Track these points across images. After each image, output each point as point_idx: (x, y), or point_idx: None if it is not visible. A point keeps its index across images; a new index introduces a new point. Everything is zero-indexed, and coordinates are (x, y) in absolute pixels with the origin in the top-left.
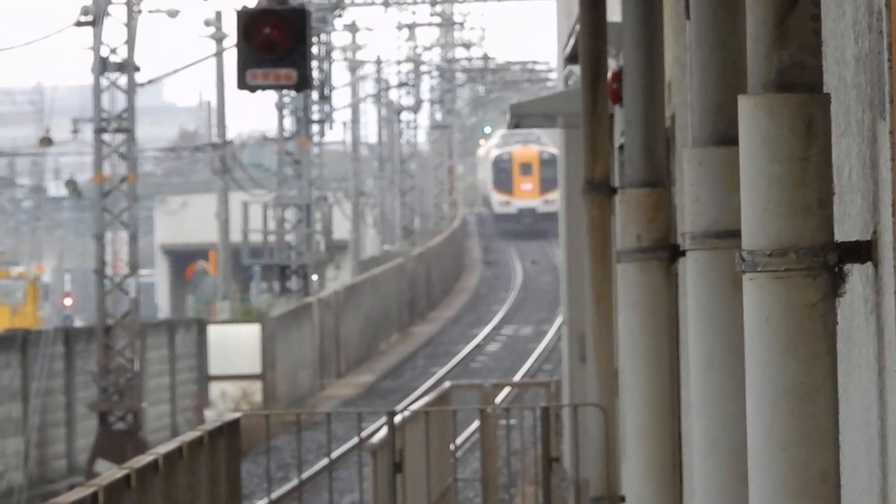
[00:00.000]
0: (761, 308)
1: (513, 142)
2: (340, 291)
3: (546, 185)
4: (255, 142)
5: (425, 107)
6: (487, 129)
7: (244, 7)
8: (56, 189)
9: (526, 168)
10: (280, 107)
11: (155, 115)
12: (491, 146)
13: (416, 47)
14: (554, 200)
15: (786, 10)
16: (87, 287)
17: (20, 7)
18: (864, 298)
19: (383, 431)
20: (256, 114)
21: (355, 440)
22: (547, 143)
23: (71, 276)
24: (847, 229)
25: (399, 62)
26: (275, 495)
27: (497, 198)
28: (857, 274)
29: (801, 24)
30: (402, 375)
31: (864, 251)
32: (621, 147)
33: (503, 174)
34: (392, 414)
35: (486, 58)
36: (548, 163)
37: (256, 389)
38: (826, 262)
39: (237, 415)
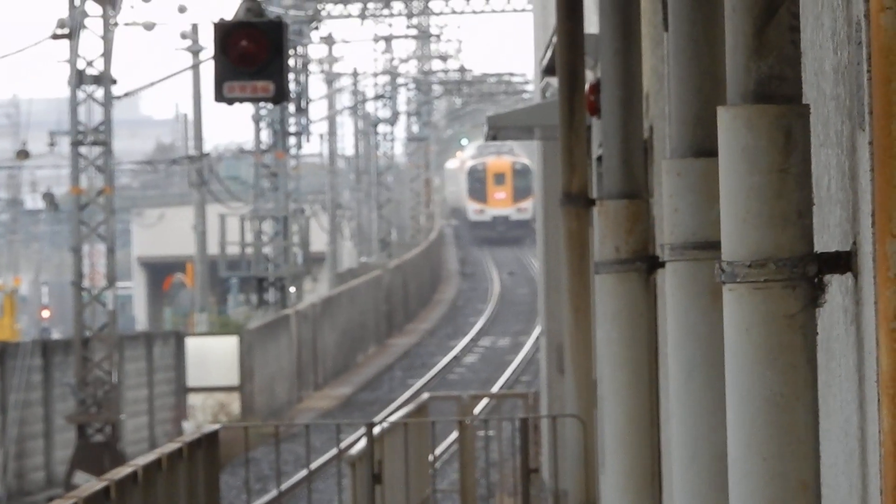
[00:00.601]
0: (741, 319)
1: (487, 153)
2: (318, 304)
3: (519, 194)
4: (232, 154)
5: (402, 119)
6: (464, 142)
7: (221, 20)
8: (33, 202)
9: (499, 178)
10: (257, 119)
11: (132, 128)
12: (465, 157)
13: (392, 59)
14: (526, 209)
15: (764, 21)
16: (64, 299)
17: None
18: (844, 309)
19: (362, 443)
20: (233, 126)
21: (334, 451)
22: (520, 153)
23: (48, 289)
24: (826, 240)
25: (376, 74)
26: None
27: (472, 206)
28: (836, 284)
29: (780, 35)
30: (379, 387)
31: (843, 262)
32: (599, 158)
33: (478, 184)
34: (371, 425)
35: (462, 70)
36: (520, 173)
37: (234, 401)
38: (805, 272)
39: (216, 426)
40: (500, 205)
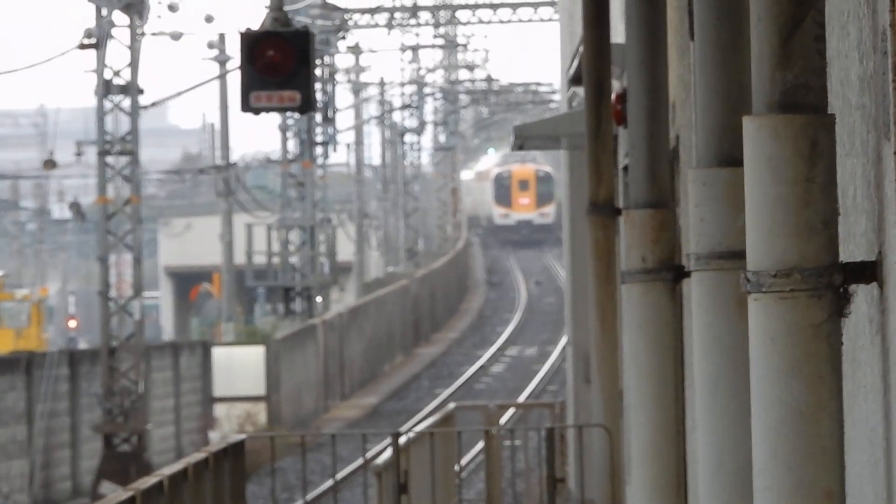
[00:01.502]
0: (766, 328)
1: (511, 161)
2: (344, 313)
3: (542, 200)
4: (259, 164)
5: (429, 128)
6: (491, 151)
7: (248, 29)
8: (60, 211)
9: (524, 184)
10: (284, 129)
11: (158, 138)
12: (491, 165)
13: (419, 69)
14: (548, 213)
15: (790, 30)
16: (91, 309)
17: (23, 30)
18: (869, 318)
19: (388, 453)
20: (260, 136)
21: (360, 461)
22: (542, 161)
23: (75, 299)
24: (852, 249)
25: (402, 84)
26: None
27: (498, 211)
28: (861, 294)
29: (806, 45)
30: (406, 397)
31: (868, 271)
32: (625, 168)
33: (503, 190)
34: (397, 435)
35: (489, 79)
36: (543, 179)
37: (260, 411)
38: (831, 282)
39: (242, 436)
40: (525, 209)
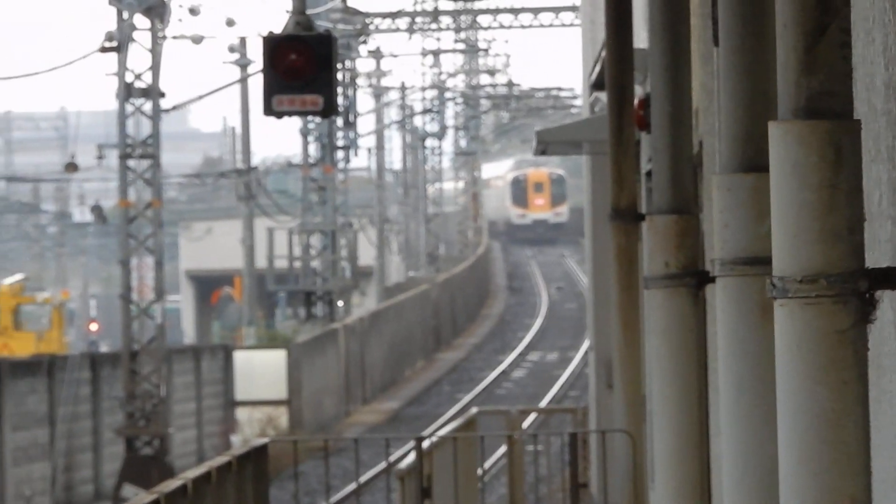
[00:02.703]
0: (792, 334)
1: (525, 165)
2: (365, 318)
3: (556, 201)
4: (280, 168)
5: (450, 133)
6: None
7: (270, 33)
8: (81, 215)
9: (538, 186)
10: (305, 133)
11: (179, 141)
12: (503, 172)
13: (440, 74)
14: (562, 213)
15: (815, 37)
16: (112, 313)
17: (45, 33)
18: (895, 324)
19: (411, 457)
20: (281, 140)
21: (383, 465)
22: (554, 166)
23: (96, 302)
24: (877, 256)
25: (423, 88)
26: None
27: (515, 211)
28: (887, 300)
29: (831, 52)
30: (427, 402)
31: (894, 277)
32: (648, 173)
33: (520, 192)
34: (420, 439)
35: (510, 84)
36: (556, 182)
37: (282, 415)
38: (856, 288)
39: (265, 440)
40: (540, 210)
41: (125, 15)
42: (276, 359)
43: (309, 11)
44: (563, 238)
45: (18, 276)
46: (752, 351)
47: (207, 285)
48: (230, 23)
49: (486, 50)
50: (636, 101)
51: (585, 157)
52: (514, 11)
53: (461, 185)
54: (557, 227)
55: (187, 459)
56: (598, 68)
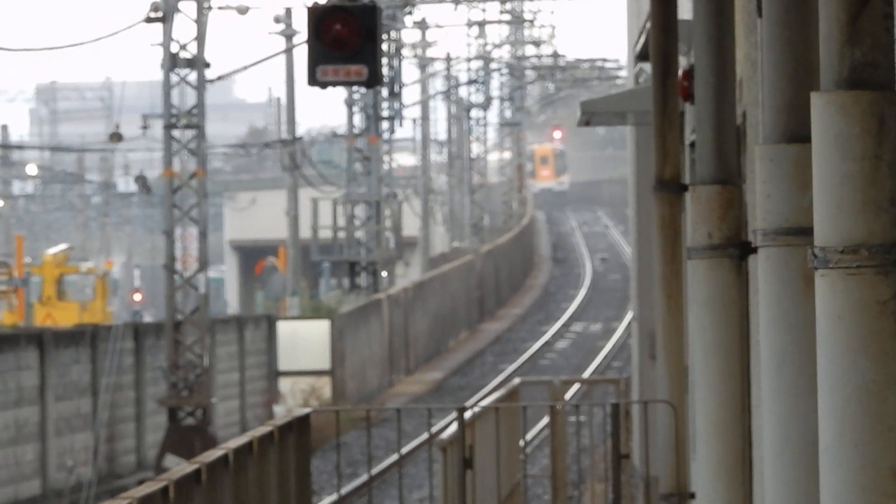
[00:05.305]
0: (833, 305)
1: (531, 141)
2: (409, 288)
3: (559, 171)
4: (325, 138)
5: (495, 104)
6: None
7: (315, 4)
8: (125, 185)
9: (544, 159)
10: (350, 103)
11: (224, 112)
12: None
13: (485, 45)
14: (564, 182)
15: (858, 8)
16: (155, 283)
17: (90, 3)
18: None
19: (453, 427)
20: (326, 110)
21: (425, 436)
22: (555, 140)
23: (140, 272)
24: None
25: (469, 59)
26: (344, 491)
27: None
28: None
29: (874, 23)
30: (470, 373)
31: None
32: (692, 144)
33: (528, 164)
34: (462, 410)
35: (555, 55)
36: (559, 155)
37: (325, 385)
38: None
39: (307, 410)
40: (546, 180)
41: None
42: (320, 329)
43: None
44: (566, 203)
45: (63, 246)
46: (795, 322)
47: (252, 255)
48: None
49: (531, 21)
50: (680, 72)
51: (629, 128)
52: None
53: (507, 155)
54: (560, 194)
55: (230, 430)
56: (642, 39)
